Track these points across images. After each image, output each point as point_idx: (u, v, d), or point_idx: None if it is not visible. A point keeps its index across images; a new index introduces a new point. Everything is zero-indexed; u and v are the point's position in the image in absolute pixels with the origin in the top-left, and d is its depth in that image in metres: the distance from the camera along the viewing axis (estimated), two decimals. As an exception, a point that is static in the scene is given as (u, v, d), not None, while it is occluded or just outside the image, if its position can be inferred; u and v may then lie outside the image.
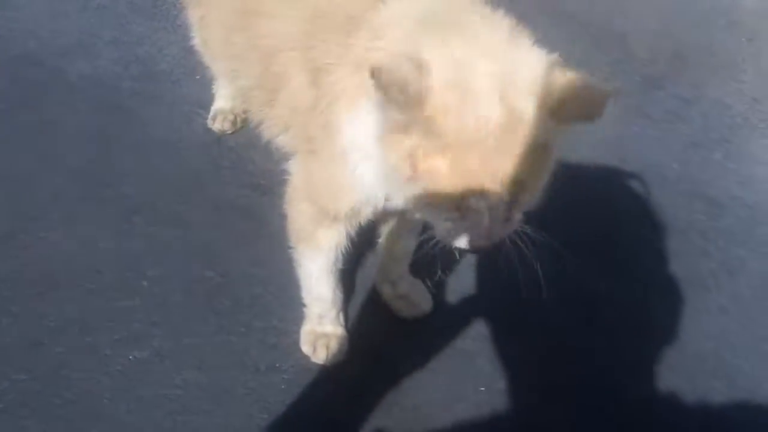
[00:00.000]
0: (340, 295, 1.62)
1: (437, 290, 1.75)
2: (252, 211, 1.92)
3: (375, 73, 0.99)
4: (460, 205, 1.05)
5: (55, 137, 2.02)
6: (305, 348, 1.63)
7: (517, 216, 1.11)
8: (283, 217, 1.58)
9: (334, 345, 1.62)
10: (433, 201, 1.08)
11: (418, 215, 1.21)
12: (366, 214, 1.39)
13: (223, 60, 1.68)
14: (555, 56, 1.09)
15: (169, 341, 1.60)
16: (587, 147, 2.26)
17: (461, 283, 1.80)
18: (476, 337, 1.71)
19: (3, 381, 1.48)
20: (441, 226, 1.13)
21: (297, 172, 1.47)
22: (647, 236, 2.03)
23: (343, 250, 1.50)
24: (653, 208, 2.11)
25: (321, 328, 1.63)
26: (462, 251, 1.19)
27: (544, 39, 1.12)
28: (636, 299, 1.87)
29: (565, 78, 1.04)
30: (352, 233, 1.47)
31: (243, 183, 1.99)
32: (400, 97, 1.00)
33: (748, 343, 1.82)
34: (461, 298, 1.78)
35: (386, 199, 1.28)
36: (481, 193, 1.02)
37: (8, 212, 1.80)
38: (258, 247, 1.83)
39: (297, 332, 1.64)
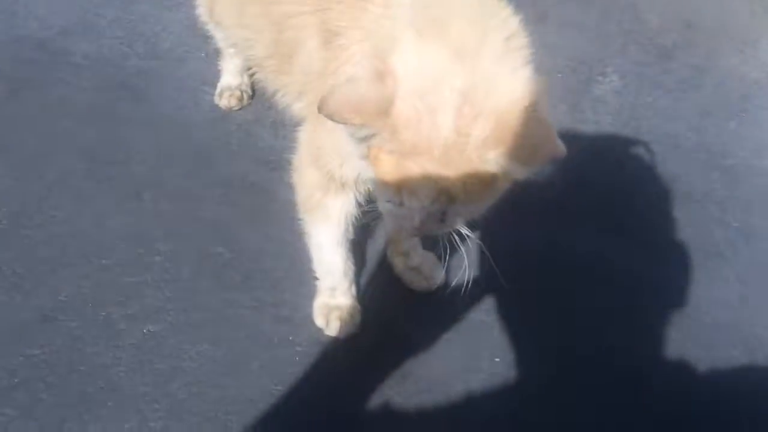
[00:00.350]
0: (351, 267, 1.64)
1: (449, 262, 1.78)
2: (261, 187, 1.95)
3: (320, 108, 1.04)
4: (398, 199, 1.13)
5: (62, 117, 2.06)
6: (318, 321, 1.66)
7: (456, 220, 1.19)
8: (293, 192, 1.63)
9: (346, 317, 1.65)
10: (377, 185, 1.18)
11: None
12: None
13: (235, 30, 1.71)
14: (536, 86, 1.08)
15: (182, 315, 1.64)
16: (601, 117, 2.30)
17: (472, 254, 1.83)
18: (490, 308, 1.74)
19: (17, 356, 1.53)
20: (382, 206, 1.21)
21: (305, 138, 1.50)
22: (663, 206, 2.05)
23: (353, 219, 1.53)
24: (669, 178, 2.12)
25: (333, 300, 1.65)
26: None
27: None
28: (653, 268, 1.89)
29: (529, 118, 1.04)
30: (362, 201, 1.50)
31: (251, 159, 2.02)
32: (355, 120, 1.05)
33: (766, 312, 1.84)
34: (473, 268, 1.81)
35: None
36: (416, 196, 1.10)
37: (18, 192, 1.84)
38: (268, 222, 1.86)
39: (309, 306, 1.67)
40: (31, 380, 1.49)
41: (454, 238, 1.24)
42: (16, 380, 1.49)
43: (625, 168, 2.17)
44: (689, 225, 2.02)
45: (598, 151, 2.19)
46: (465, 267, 1.48)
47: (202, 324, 1.63)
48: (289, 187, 1.58)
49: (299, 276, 1.72)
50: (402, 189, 1.10)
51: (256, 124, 2.11)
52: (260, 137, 2.07)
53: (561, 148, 1.05)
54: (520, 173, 1.08)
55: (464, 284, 1.57)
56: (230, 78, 2.17)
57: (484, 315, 1.72)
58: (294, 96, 1.54)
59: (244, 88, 2.17)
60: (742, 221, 2.06)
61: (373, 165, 1.14)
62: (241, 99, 2.15)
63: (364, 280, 1.76)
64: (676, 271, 1.90)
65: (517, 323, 1.71)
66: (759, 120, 2.40)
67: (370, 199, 1.47)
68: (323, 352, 1.61)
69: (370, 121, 1.05)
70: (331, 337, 1.64)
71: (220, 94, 2.15)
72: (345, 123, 1.06)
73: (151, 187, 1.90)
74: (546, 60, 1.34)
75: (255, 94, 2.17)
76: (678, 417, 1.60)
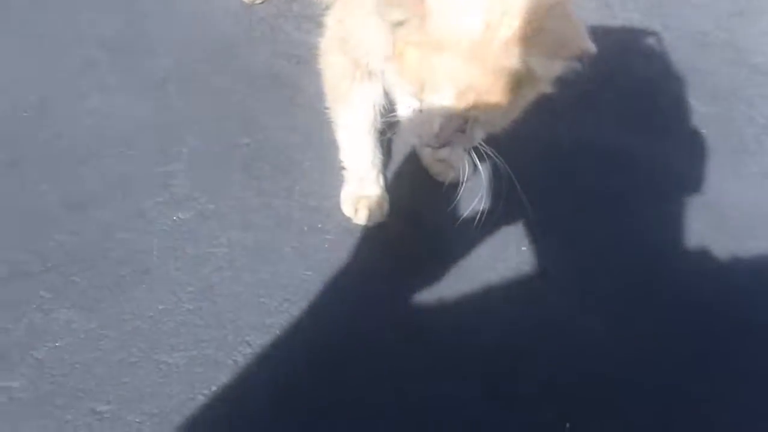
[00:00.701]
0: (379, 156, 1.58)
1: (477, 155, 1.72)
2: (286, 80, 1.87)
3: None
4: (418, 98, 1.07)
5: (84, 9, 1.96)
6: (346, 210, 1.61)
7: (476, 132, 1.13)
8: (317, 83, 1.55)
9: (374, 206, 1.59)
10: (399, 84, 1.11)
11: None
12: None
13: None
14: None
15: (211, 204, 1.59)
16: (630, 14, 2.19)
17: (500, 147, 1.77)
18: (517, 199, 1.68)
19: (48, 242, 1.48)
20: (402, 111, 1.16)
21: (332, 22, 1.41)
22: (690, 103, 1.96)
23: (380, 108, 1.46)
24: (697, 75, 2.03)
25: (361, 189, 1.60)
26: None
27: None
28: (679, 163, 1.83)
29: (557, 15, 1.00)
30: (389, 90, 1.43)
31: (275, 52, 1.93)
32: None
33: (791, 205, 1.78)
34: (501, 161, 1.74)
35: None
36: (438, 93, 1.03)
37: (43, 81, 1.77)
38: (294, 114, 1.79)
39: (337, 196, 1.62)
40: (64, 264, 1.45)
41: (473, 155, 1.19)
42: (48, 264, 1.45)
43: (652, 64, 2.07)
44: (716, 121, 1.94)
45: (626, 48, 2.09)
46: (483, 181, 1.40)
47: (231, 212, 1.58)
48: (316, 83, 1.51)
49: (327, 166, 1.66)
50: (425, 85, 1.04)
51: (279, 17, 2.01)
52: (284, 30, 1.98)
53: (590, 45, 1.00)
54: (547, 70, 1.03)
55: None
56: None
57: (512, 205, 1.67)
58: None
59: None
60: (768, 118, 1.99)
61: (397, 62, 1.07)
62: None
63: (391, 170, 1.70)
64: (703, 165, 1.83)
65: (541, 214, 1.65)
66: (788, 19, 2.29)
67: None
68: (352, 239, 1.57)
69: (405, 2, 1.00)
70: (359, 225, 1.59)
71: None
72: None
73: (176, 79, 1.82)
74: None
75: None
76: (702, 304, 1.56)
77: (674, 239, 1.66)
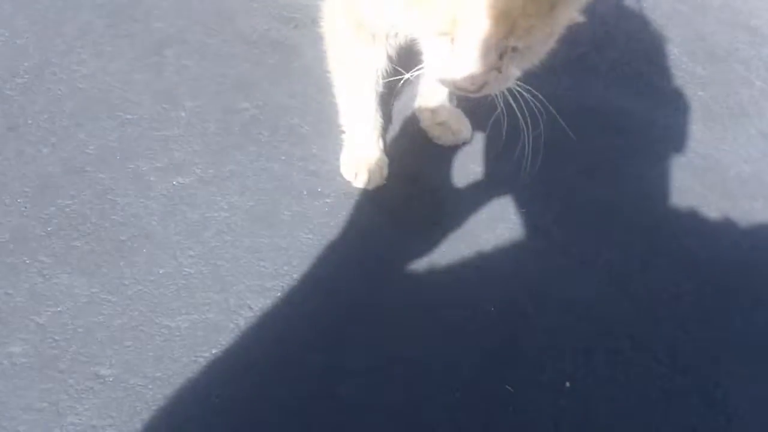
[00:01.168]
0: (379, 120, 1.52)
1: (476, 119, 1.66)
2: (284, 45, 1.79)
3: None
4: (450, 33, 0.96)
5: (78, -26, 1.89)
6: (346, 173, 1.55)
7: (512, 69, 1.01)
8: (316, 48, 1.48)
9: (374, 169, 1.54)
10: (426, 24, 0.98)
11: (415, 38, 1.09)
12: (406, 34, 1.27)
13: None
14: None
15: (210, 168, 1.53)
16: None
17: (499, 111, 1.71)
18: (516, 162, 1.63)
19: (49, 206, 1.42)
20: (432, 56, 1.02)
21: None
22: (688, 65, 1.90)
23: (383, 71, 1.38)
24: (695, 37, 1.97)
25: (361, 152, 1.54)
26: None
27: None
28: (678, 125, 1.77)
29: None
30: (392, 54, 1.35)
31: (273, 17, 1.85)
32: None
33: (789, 168, 1.74)
34: (500, 125, 1.68)
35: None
36: (472, 25, 0.92)
37: (39, 47, 1.69)
38: (292, 79, 1.72)
39: (337, 161, 1.56)
40: (65, 229, 1.40)
41: (508, 96, 1.08)
42: (49, 228, 1.39)
43: (650, 26, 2.00)
44: (714, 83, 1.88)
45: (623, 11, 2.02)
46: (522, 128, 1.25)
47: (230, 177, 1.52)
48: (314, 47, 1.44)
49: (326, 131, 1.60)
50: (457, 19, 0.93)
51: (276, -19, 1.94)
52: (281, -5, 1.91)
53: None
54: None
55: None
56: None
57: (510, 166, 1.62)
58: None
59: None
60: (765, 80, 1.92)
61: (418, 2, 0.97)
62: None
63: (391, 134, 1.64)
64: (700, 126, 1.78)
65: (542, 175, 1.59)
66: (786, -19, 2.21)
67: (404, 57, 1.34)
68: (352, 203, 1.51)
69: None
70: (359, 188, 1.54)
71: None
72: None
73: (173, 44, 1.74)
74: None
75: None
76: (699, 264, 1.52)
77: (673, 201, 1.61)
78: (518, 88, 1.09)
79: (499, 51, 0.97)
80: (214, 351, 1.27)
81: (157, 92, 1.65)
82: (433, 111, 1.64)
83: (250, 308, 1.33)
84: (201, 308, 1.32)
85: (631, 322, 1.42)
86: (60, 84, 1.63)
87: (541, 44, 1.01)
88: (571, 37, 1.06)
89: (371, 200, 1.53)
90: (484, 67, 0.98)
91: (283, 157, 1.58)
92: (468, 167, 1.62)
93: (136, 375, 1.23)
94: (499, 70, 0.99)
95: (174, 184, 1.50)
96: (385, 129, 1.59)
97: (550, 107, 1.16)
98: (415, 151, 1.63)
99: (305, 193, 1.53)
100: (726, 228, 1.58)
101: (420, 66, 1.09)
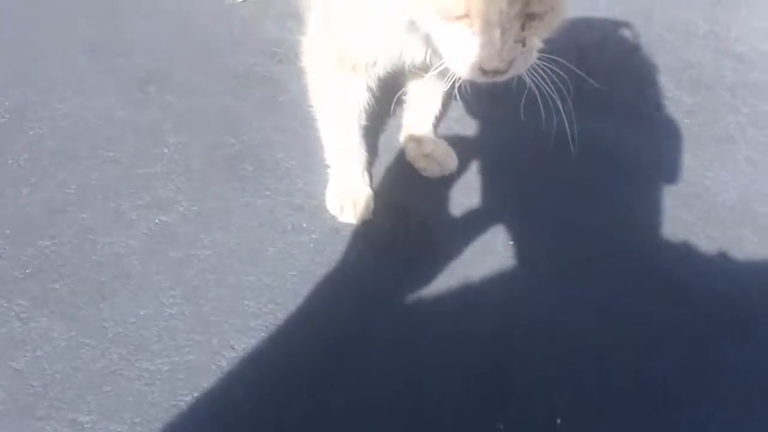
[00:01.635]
0: (364, 153, 1.50)
1: (462, 150, 1.65)
2: (269, 79, 1.79)
3: None
4: (470, 14, 0.93)
5: (64, 9, 1.88)
6: (332, 208, 1.52)
7: (535, 41, 0.99)
8: (300, 82, 1.47)
9: (360, 203, 1.51)
10: (443, 12, 0.96)
11: (430, 35, 1.05)
12: (385, 64, 1.26)
13: None
14: None
15: (194, 205, 1.50)
16: (613, 6, 2.12)
17: (485, 141, 1.70)
18: (503, 193, 1.62)
19: (28, 247, 1.40)
20: (452, 46, 0.99)
21: (316, 18, 1.33)
22: (675, 92, 1.90)
23: (365, 104, 1.38)
24: (681, 65, 1.97)
25: (346, 186, 1.52)
26: (475, 82, 1.06)
27: None
28: (665, 153, 1.76)
29: None
30: (373, 86, 1.35)
31: (258, 51, 1.85)
32: None
33: (777, 193, 1.72)
34: (486, 155, 1.67)
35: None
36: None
37: (21, 84, 1.68)
38: (277, 113, 1.71)
39: (322, 194, 1.54)
40: (44, 271, 1.37)
41: (536, 77, 1.04)
42: (28, 271, 1.36)
43: (637, 53, 2.00)
44: (700, 110, 1.87)
45: (609, 40, 2.02)
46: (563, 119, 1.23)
47: (214, 213, 1.50)
48: (300, 82, 1.43)
49: (311, 166, 1.58)
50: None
51: (261, 16, 1.93)
52: (266, 29, 1.90)
53: None
54: None
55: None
56: None
57: (498, 199, 1.60)
58: None
59: None
60: (751, 107, 1.91)
61: None
62: None
63: (377, 166, 1.62)
64: (688, 154, 1.76)
65: (528, 206, 1.58)
66: (769, 8, 2.23)
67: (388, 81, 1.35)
68: (338, 238, 1.49)
69: None
70: (345, 223, 1.51)
71: None
72: None
73: (157, 80, 1.74)
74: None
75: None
76: (689, 293, 1.49)
77: (661, 229, 1.59)
78: (543, 66, 1.04)
79: (520, 21, 0.94)
80: (195, 394, 1.23)
81: (139, 129, 1.63)
82: (419, 142, 1.62)
83: (233, 349, 1.30)
84: (182, 350, 1.28)
85: (622, 351, 1.39)
86: (41, 122, 1.61)
87: (558, 6, 0.98)
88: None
89: (357, 235, 1.50)
90: (509, 42, 0.95)
91: (267, 193, 1.56)
92: (455, 198, 1.60)
93: (115, 421, 1.19)
94: (523, 43, 0.97)
95: (156, 222, 1.47)
96: (371, 162, 1.58)
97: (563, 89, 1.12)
98: (401, 183, 1.61)
99: (290, 228, 1.50)
100: (716, 256, 1.56)
101: (441, 62, 1.05)
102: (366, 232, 1.51)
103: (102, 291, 1.35)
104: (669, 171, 1.71)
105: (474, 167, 1.66)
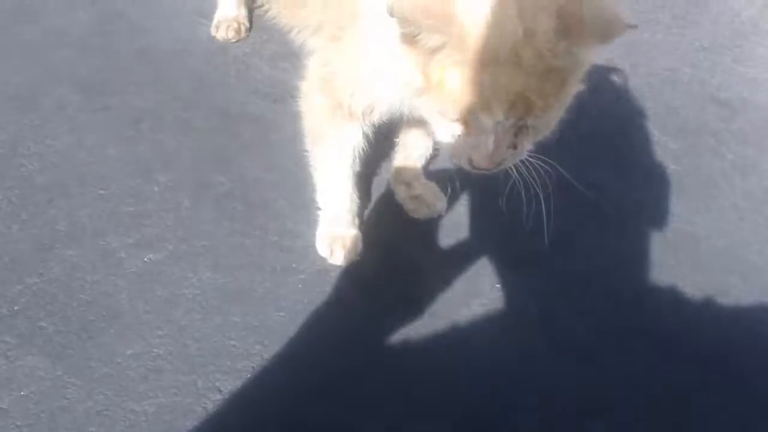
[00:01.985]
0: (356, 199, 1.54)
1: (452, 189, 1.69)
2: (261, 118, 1.83)
3: (392, 11, 0.96)
4: (466, 120, 1.01)
5: (56, 48, 1.91)
6: (321, 250, 1.55)
7: (526, 144, 1.07)
8: (293, 122, 1.51)
9: (350, 246, 1.54)
10: (441, 113, 1.05)
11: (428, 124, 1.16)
12: (382, 112, 1.31)
13: None
14: None
15: (183, 244, 1.53)
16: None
17: (475, 182, 1.74)
18: (491, 235, 1.66)
19: (16, 285, 1.42)
20: (445, 137, 1.09)
21: (315, 64, 1.38)
22: (660, 138, 1.95)
23: (360, 151, 1.42)
24: (665, 111, 2.03)
25: (336, 229, 1.55)
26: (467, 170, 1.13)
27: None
28: (649, 197, 1.81)
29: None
30: (369, 133, 1.39)
31: (251, 91, 1.89)
32: (428, 22, 0.95)
33: (762, 239, 1.75)
34: (475, 196, 1.71)
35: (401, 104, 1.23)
36: (488, 110, 0.98)
37: (14, 121, 1.71)
38: (269, 153, 1.75)
39: (312, 235, 1.57)
40: (31, 308, 1.39)
41: (530, 175, 1.14)
42: (15, 308, 1.38)
43: (621, 101, 2.06)
44: (685, 156, 1.93)
45: (595, 85, 2.08)
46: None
47: (203, 252, 1.53)
48: (291, 121, 1.48)
49: (301, 205, 1.62)
50: (474, 105, 0.98)
51: (254, 55, 1.98)
52: (259, 69, 1.94)
53: (625, 14, 0.99)
54: (591, 58, 1.02)
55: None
56: (227, 9, 2.02)
57: (485, 243, 1.64)
58: (312, 30, 1.42)
59: (241, 20, 2.02)
60: (736, 153, 1.97)
61: (436, 90, 1.02)
62: (238, 31, 2.01)
63: (367, 208, 1.66)
64: (673, 199, 1.81)
65: (514, 251, 1.62)
66: (754, 55, 2.29)
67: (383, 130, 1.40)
68: (326, 279, 1.52)
69: (441, 24, 0.95)
70: (334, 265, 1.54)
71: (217, 26, 2.01)
72: (418, 26, 0.95)
73: (149, 118, 1.77)
74: None
75: (252, 26, 2.05)
76: (676, 340, 1.53)
77: (648, 275, 1.63)
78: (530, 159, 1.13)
79: (515, 130, 1.02)
80: (181, 437, 1.25)
81: (130, 166, 1.67)
82: (408, 185, 1.66)
83: (220, 391, 1.31)
84: (168, 391, 1.30)
85: (606, 399, 1.42)
86: (33, 159, 1.64)
87: (554, 118, 1.08)
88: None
89: (346, 276, 1.53)
90: (501, 149, 1.04)
91: (257, 232, 1.59)
92: (443, 241, 1.64)
93: (99, 463, 1.21)
94: (514, 146, 1.05)
95: (145, 261, 1.50)
96: (362, 206, 1.61)
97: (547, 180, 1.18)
98: (390, 225, 1.65)
99: (279, 268, 1.53)
100: (702, 303, 1.59)
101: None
102: (354, 274, 1.54)
103: (89, 330, 1.37)
104: (654, 217, 1.75)
105: (462, 208, 1.70)
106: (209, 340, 1.39)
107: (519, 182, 1.17)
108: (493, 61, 0.95)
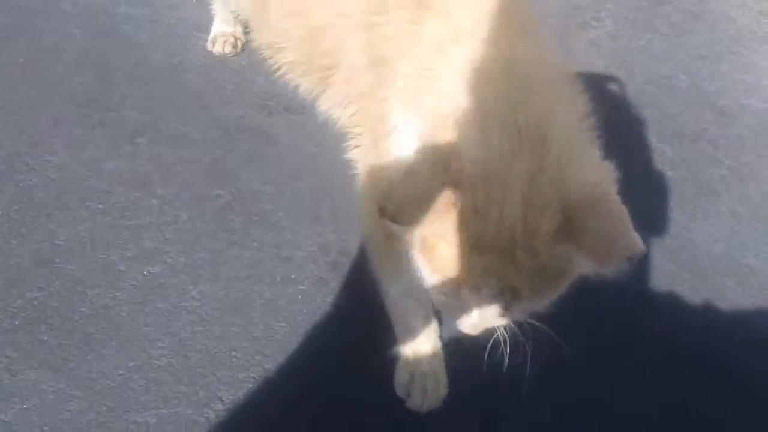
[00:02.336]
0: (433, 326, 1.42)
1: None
2: (258, 131, 1.88)
3: (381, 214, 0.93)
4: (455, 292, 1.00)
5: (53, 65, 1.98)
6: (399, 390, 1.41)
7: (516, 314, 1.05)
8: (290, 134, 1.56)
9: (431, 387, 1.40)
10: (431, 277, 1.02)
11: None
12: None
13: (261, 30, 1.57)
14: (608, 171, 1.00)
15: (182, 257, 1.58)
16: (594, 60, 2.25)
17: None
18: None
19: (17, 299, 1.47)
20: (435, 297, 1.08)
21: (362, 160, 1.32)
22: (658, 145, 2.00)
23: None
24: (662, 118, 2.08)
25: (416, 366, 1.41)
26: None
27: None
28: (647, 204, 1.86)
29: (602, 209, 0.93)
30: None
31: (248, 104, 1.95)
32: (422, 216, 0.93)
33: (759, 244, 1.80)
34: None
35: None
36: (476, 291, 0.97)
37: (11, 137, 1.77)
38: (266, 165, 1.80)
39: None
40: (32, 322, 1.44)
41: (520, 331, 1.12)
42: (16, 323, 1.43)
43: (619, 110, 2.12)
44: (683, 163, 1.98)
45: (593, 94, 2.14)
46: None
47: (202, 265, 1.58)
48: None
49: (299, 217, 1.68)
50: (462, 284, 0.97)
51: (250, 69, 2.03)
52: (255, 82, 2.00)
53: (638, 243, 0.93)
54: (592, 270, 0.97)
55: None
56: (224, 24, 2.08)
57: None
58: (336, 104, 1.39)
59: (238, 35, 2.08)
60: (734, 159, 2.03)
61: (427, 257, 1.00)
62: (235, 45, 2.07)
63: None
64: (671, 206, 1.86)
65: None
66: (750, 62, 2.35)
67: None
68: (325, 290, 1.56)
69: (438, 216, 0.92)
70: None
71: (214, 41, 2.07)
72: (411, 224, 0.93)
73: (146, 132, 1.83)
74: (540, 4, 1.28)
75: (248, 41, 2.11)
76: (674, 345, 1.57)
77: (646, 281, 1.68)
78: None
79: (501, 308, 1.00)
80: (183, 447, 1.30)
81: (129, 181, 1.72)
82: None
83: (221, 401, 1.36)
84: (170, 402, 1.35)
85: (603, 402, 1.46)
86: (31, 174, 1.70)
87: (547, 300, 1.04)
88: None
89: (346, 287, 1.58)
90: (487, 320, 1.03)
91: (255, 244, 1.64)
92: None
93: (102, 474, 1.25)
94: (504, 317, 1.03)
95: (144, 274, 1.55)
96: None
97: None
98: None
99: (278, 280, 1.58)
100: (700, 307, 1.64)
101: None
102: (355, 283, 1.58)
103: (90, 342, 1.42)
104: (653, 223, 1.80)
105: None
106: (210, 351, 1.43)
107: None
108: (488, 250, 0.92)
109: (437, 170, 0.93)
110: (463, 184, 0.92)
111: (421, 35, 1.11)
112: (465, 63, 1.03)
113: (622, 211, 0.94)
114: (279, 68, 1.55)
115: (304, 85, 1.49)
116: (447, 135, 0.96)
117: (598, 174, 0.98)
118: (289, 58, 1.47)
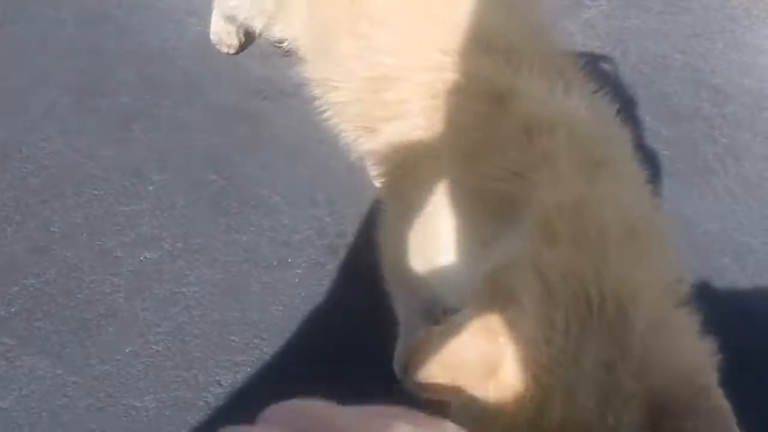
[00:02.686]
0: None
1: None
2: (254, 116, 1.86)
3: (406, 373, 0.77)
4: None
5: (44, 51, 1.94)
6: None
7: None
8: (286, 119, 1.54)
9: None
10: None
11: None
12: None
13: (315, 60, 1.37)
14: (710, 357, 0.83)
15: (179, 242, 1.57)
16: (590, 40, 2.23)
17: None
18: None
19: (12, 286, 1.46)
20: None
21: (390, 224, 1.24)
22: (653, 124, 1.99)
23: None
24: (658, 97, 2.07)
25: None
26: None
27: None
28: (644, 184, 1.86)
29: (701, 407, 0.77)
30: None
31: (243, 89, 1.92)
32: (454, 387, 0.76)
33: (755, 222, 1.80)
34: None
35: None
36: None
37: (5, 125, 1.75)
38: (262, 150, 1.78)
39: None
40: (29, 309, 1.43)
41: None
42: (12, 309, 1.42)
43: (614, 89, 2.10)
44: (678, 142, 1.97)
45: (588, 75, 2.13)
46: None
47: (199, 250, 1.57)
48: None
49: (295, 201, 1.66)
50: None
51: (244, 54, 2.00)
52: (249, 68, 1.97)
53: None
54: None
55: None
56: (225, 23, 2.01)
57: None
58: (376, 160, 1.27)
59: (241, 32, 1.98)
60: (730, 137, 2.02)
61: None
62: (242, 42, 2.01)
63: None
64: (668, 185, 1.86)
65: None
66: (745, 41, 2.33)
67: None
68: (322, 273, 1.56)
69: (470, 388, 0.76)
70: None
71: (217, 34, 1.99)
72: (438, 395, 0.75)
73: (140, 118, 1.81)
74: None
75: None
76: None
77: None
78: None
79: None
80: (182, 431, 1.29)
81: (124, 167, 1.70)
82: None
83: (220, 384, 1.36)
84: (169, 386, 1.34)
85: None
86: (25, 161, 1.68)
87: None
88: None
89: (343, 270, 1.58)
90: None
91: (252, 228, 1.63)
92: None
93: (102, 459, 1.25)
94: None
95: (141, 260, 1.53)
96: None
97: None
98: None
99: (275, 264, 1.57)
100: (697, 286, 1.63)
101: None
102: (352, 267, 1.58)
103: (87, 328, 1.41)
104: (649, 202, 1.80)
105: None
106: (208, 335, 1.43)
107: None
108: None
109: (481, 338, 0.77)
110: (507, 360, 0.76)
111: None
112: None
113: (724, 410, 0.79)
114: (326, 109, 1.34)
115: (349, 132, 1.32)
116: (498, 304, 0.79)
117: (694, 360, 0.82)
118: (341, 99, 1.26)
